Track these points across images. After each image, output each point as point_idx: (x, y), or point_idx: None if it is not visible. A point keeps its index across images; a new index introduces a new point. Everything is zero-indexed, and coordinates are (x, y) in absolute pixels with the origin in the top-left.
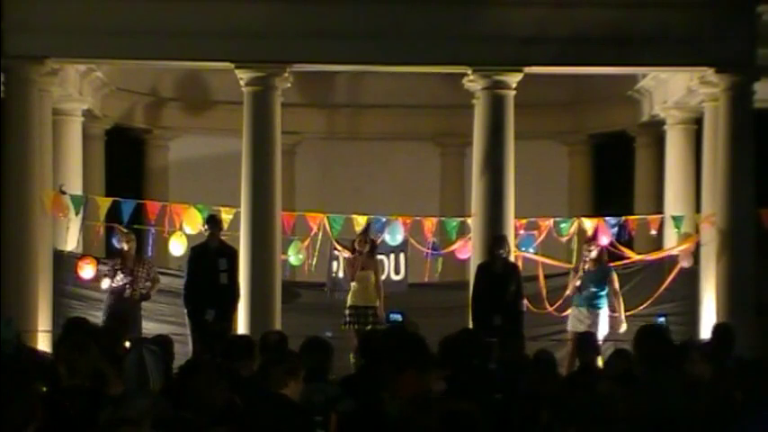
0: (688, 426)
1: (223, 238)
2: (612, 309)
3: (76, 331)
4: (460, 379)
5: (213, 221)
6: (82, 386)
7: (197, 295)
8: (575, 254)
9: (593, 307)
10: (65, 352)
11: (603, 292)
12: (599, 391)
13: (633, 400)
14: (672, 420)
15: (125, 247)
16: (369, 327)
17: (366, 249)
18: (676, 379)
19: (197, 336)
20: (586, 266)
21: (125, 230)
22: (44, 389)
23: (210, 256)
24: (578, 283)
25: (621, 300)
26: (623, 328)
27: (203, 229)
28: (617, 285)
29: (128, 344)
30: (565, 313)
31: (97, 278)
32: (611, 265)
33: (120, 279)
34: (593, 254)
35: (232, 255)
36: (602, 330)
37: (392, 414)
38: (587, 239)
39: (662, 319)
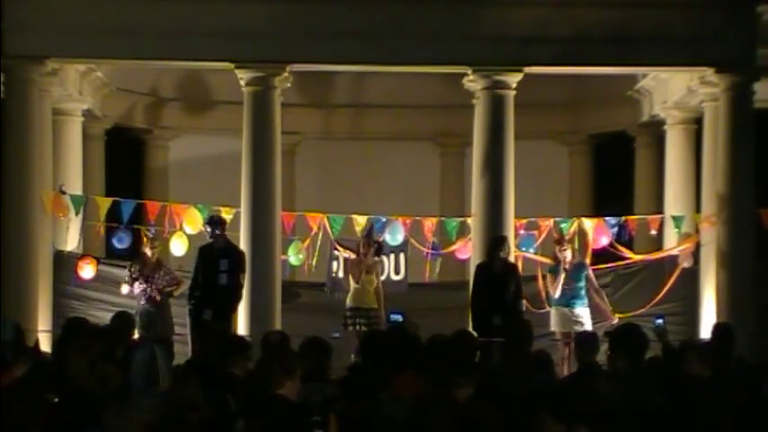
0: (676, 422)
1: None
2: (594, 303)
3: (76, 331)
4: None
5: (212, 222)
6: (82, 387)
7: (198, 295)
8: (574, 254)
9: (576, 305)
10: (64, 353)
11: (582, 289)
12: (598, 390)
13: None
14: (654, 416)
15: (147, 252)
16: (372, 328)
17: (371, 252)
18: (656, 376)
19: (196, 335)
20: (567, 267)
21: (150, 236)
22: (54, 398)
23: (213, 257)
24: (560, 284)
25: (604, 293)
26: (615, 319)
27: (206, 230)
28: (594, 279)
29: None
30: None
31: (115, 282)
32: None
33: (137, 286)
34: (568, 255)
35: (234, 255)
36: (588, 326)
37: (390, 414)
38: (558, 240)
39: (660, 321)
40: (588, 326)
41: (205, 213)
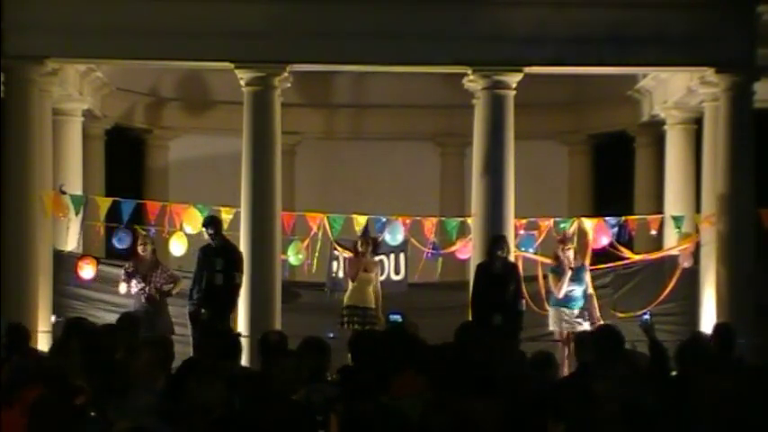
0: (675, 422)
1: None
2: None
3: (76, 331)
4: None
5: (206, 223)
6: (81, 386)
7: (197, 295)
8: (574, 254)
9: (575, 306)
10: (64, 353)
11: (582, 291)
12: (595, 390)
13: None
14: (650, 416)
15: (140, 250)
16: (367, 327)
17: (369, 251)
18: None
19: (196, 335)
20: (570, 265)
21: (144, 234)
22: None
23: (210, 256)
24: (565, 285)
25: (595, 299)
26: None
27: (207, 233)
28: (590, 284)
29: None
30: None
31: (115, 281)
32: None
33: (134, 284)
34: (571, 254)
35: (229, 255)
36: (586, 327)
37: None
38: (561, 239)
39: (646, 317)
40: (586, 326)
41: (205, 213)
